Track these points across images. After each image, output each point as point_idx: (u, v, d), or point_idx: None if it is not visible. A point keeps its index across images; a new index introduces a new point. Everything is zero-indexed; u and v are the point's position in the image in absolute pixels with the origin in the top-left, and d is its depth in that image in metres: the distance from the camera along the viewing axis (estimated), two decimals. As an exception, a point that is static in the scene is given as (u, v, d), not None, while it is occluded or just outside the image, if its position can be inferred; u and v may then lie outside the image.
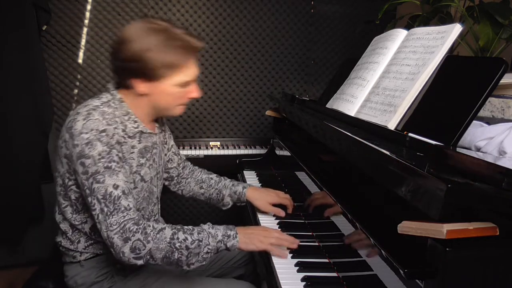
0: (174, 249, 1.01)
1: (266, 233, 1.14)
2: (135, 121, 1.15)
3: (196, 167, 1.56)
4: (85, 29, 2.31)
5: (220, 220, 1.42)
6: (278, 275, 1.03)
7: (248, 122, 2.66)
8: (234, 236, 1.09)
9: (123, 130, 1.11)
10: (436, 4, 1.79)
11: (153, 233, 1.01)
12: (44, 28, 2.17)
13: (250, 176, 1.86)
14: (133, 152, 1.15)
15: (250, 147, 2.51)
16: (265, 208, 1.39)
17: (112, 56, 1.10)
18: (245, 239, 1.10)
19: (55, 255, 1.31)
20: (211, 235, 1.07)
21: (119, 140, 1.08)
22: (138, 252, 0.99)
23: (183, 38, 1.08)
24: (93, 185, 1.00)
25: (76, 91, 2.38)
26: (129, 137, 1.13)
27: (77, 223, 1.16)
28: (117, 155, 1.05)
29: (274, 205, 1.40)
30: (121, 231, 0.98)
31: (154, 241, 1.00)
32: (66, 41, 2.29)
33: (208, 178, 1.51)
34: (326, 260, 1.10)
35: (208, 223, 1.13)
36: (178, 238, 1.02)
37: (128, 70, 1.07)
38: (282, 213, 1.37)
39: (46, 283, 1.27)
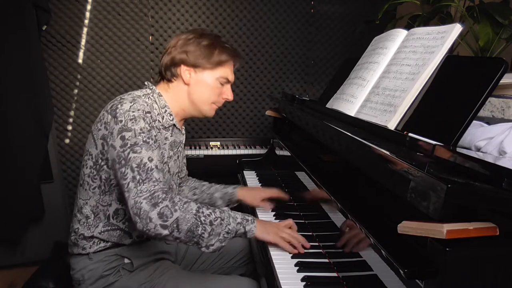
0: (199, 223, 1.04)
1: (280, 226, 1.19)
2: (171, 114, 1.26)
3: (189, 177, 1.62)
4: (85, 29, 2.31)
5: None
6: (278, 275, 1.03)
7: (248, 122, 2.66)
8: (252, 221, 1.14)
9: (160, 121, 1.21)
10: (436, 4, 1.79)
11: (181, 203, 1.04)
12: (44, 28, 2.17)
13: (250, 176, 1.86)
14: (165, 144, 1.26)
15: (250, 147, 2.51)
16: (255, 203, 1.46)
17: (167, 53, 1.25)
18: (261, 227, 1.15)
19: (55, 254, 1.31)
20: (231, 217, 1.11)
21: (158, 126, 1.18)
22: (165, 219, 1.00)
23: (229, 44, 1.29)
24: (130, 155, 1.05)
25: (76, 91, 2.38)
26: (164, 128, 1.25)
27: (103, 204, 1.19)
28: (155, 136, 1.13)
29: (270, 200, 1.46)
30: (150, 197, 1.01)
31: (181, 210, 1.02)
32: (66, 41, 2.29)
33: (200, 184, 1.56)
34: (326, 260, 1.10)
35: (227, 207, 1.18)
36: (203, 212, 1.06)
37: (181, 59, 1.23)
38: (268, 207, 1.44)
39: (47, 282, 1.27)
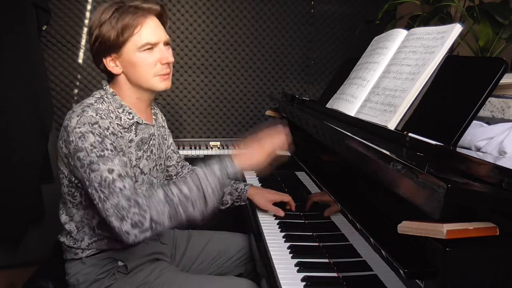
0: (175, 206, 1.00)
1: (259, 143, 1.16)
2: (130, 113, 1.17)
3: (196, 167, 1.56)
4: (85, 29, 2.31)
5: (218, 220, 1.41)
6: (278, 275, 1.03)
7: (248, 122, 2.66)
8: (231, 163, 1.09)
9: (119, 124, 1.12)
10: (436, 4, 1.79)
11: (146, 200, 0.99)
12: (44, 28, 2.17)
13: (250, 176, 1.86)
14: (131, 146, 1.16)
15: (250, 147, 2.50)
16: (264, 205, 1.39)
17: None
18: (242, 160, 1.11)
19: (55, 254, 1.31)
20: (207, 174, 1.05)
21: (113, 132, 1.08)
22: (140, 225, 0.97)
23: (134, 5, 1.10)
24: (90, 175, 1.01)
25: (76, 91, 2.38)
26: (125, 130, 1.14)
27: (87, 218, 1.17)
28: (111, 144, 1.04)
29: (275, 204, 1.40)
30: (115, 211, 0.97)
31: (150, 208, 0.98)
32: (66, 41, 2.29)
33: None
34: (326, 260, 1.10)
35: (201, 164, 1.10)
36: (173, 193, 1.01)
37: (97, 52, 1.11)
38: (281, 213, 1.37)
39: (46, 282, 1.27)
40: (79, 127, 1.03)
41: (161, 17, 1.17)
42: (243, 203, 1.47)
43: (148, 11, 1.11)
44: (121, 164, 1.04)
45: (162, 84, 1.16)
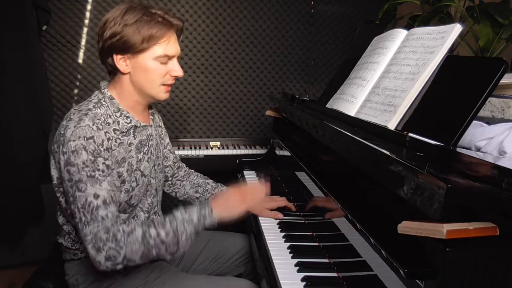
0: (150, 247, 1.01)
1: (241, 195, 1.17)
2: (127, 117, 1.16)
3: (192, 171, 1.57)
4: (85, 29, 2.31)
5: (219, 222, 1.41)
6: (278, 275, 1.03)
7: (248, 122, 2.66)
8: (209, 214, 1.09)
9: (116, 130, 1.12)
10: (436, 4, 1.79)
11: (124, 237, 1.00)
12: (44, 28, 2.17)
13: (250, 176, 1.86)
14: (131, 150, 1.16)
15: (250, 147, 2.51)
16: (262, 213, 1.39)
17: (98, 43, 1.13)
18: (222, 209, 1.12)
19: (55, 255, 1.31)
20: (185, 221, 1.06)
21: (109, 146, 1.07)
22: (114, 259, 0.99)
23: (160, 15, 1.12)
24: (76, 193, 1.01)
25: (76, 91, 2.38)
26: (124, 134, 1.14)
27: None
28: (103, 163, 1.04)
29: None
30: (93, 240, 0.98)
31: (127, 245, 0.99)
32: (66, 41, 2.29)
33: (204, 182, 1.51)
34: (326, 260, 1.10)
35: (180, 207, 1.10)
36: (150, 235, 1.02)
37: (110, 47, 1.09)
38: (280, 216, 1.37)
39: (46, 283, 1.27)
40: (73, 140, 1.02)
41: (180, 32, 1.20)
42: None
43: (173, 26, 1.14)
44: (110, 187, 1.04)
45: (165, 94, 1.18)
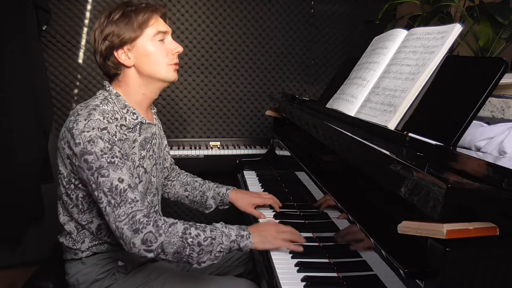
0: (186, 245, 1.01)
1: (278, 228, 1.16)
2: (134, 113, 1.19)
3: (183, 171, 1.58)
4: (85, 29, 2.31)
5: (219, 220, 1.40)
6: (278, 275, 1.03)
7: (248, 122, 2.66)
8: (247, 236, 1.10)
9: (123, 125, 1.14)
10: (436, 4, 1.79)
11: (165, 226, 1.01)
12: (44, 28, 2.17)
13: (250, 176, 1.86)
14: (134, 147, 1.18)
15: (250, 147, 2.51)
16: (246, 209, 1.40)
17: (95, 53, 1.18)
18: (259, 238, 1.11)
19: (55, 254, 1.31)
20: (225, 234, 1.07)
21: (120, 138, 1.10)
22: (149, 244, 0.99)
23: (142, 2, 1.20)
24: (99, 179, 1.02)
25: (76, 91, 2.38)
26: (130, 130, 1.17)
27: (83, 223, 1.17)
28: (119, 151, 1.06)
29: (260, 207, 1.42)
30: (130, 221, 0.99)
31: (166, 234, 1.00)
32: (66, 41, 2.29)
33: (192, 180, 1.52)
34: (326, 260, 1.10)
35: (221, 222, 1.13)
36: (190, 234, 1.03)
37: (108, 47, 1.14)
38: (262, 216, 1.38)
39: (46, 283, 1.27)
40: (88, 131, 1.04)
41: (164, 17, 1.25)
42: (226, 207, 1.47)
43: (156, 8, 1.20)
44: (129, 173, 1.05)
45: (174, 73, 1.21)
